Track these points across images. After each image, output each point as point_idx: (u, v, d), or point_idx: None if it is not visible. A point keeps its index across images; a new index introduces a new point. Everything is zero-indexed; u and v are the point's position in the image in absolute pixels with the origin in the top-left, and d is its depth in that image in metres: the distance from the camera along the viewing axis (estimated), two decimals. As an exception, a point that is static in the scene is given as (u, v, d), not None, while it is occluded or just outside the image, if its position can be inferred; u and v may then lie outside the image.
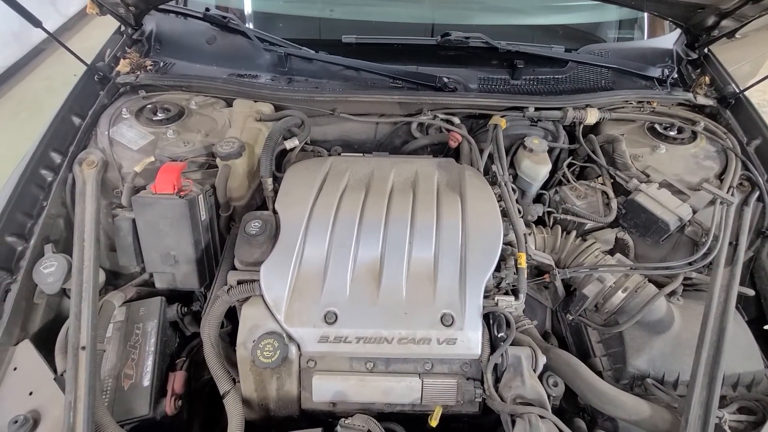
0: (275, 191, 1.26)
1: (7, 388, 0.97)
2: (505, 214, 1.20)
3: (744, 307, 1.27)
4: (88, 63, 1.44)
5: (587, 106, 1.48)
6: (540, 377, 1.02)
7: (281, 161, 1.43)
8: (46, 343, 1.05)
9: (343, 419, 0.97)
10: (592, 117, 1.48)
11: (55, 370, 0.99)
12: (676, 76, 1.61)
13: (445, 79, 1.51)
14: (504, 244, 1.12)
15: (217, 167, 1.29)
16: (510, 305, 1.07)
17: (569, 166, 1.48)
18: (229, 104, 1.50)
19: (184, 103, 1.44)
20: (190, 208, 1.16)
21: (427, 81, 1.51)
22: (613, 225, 1.35)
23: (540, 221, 1.42)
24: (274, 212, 1.17)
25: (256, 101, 1.48)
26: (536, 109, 1.46)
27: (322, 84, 1.54)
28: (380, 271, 1.07)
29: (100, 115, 1.38)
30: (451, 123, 1.51)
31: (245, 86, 1.47)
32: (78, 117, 1.35)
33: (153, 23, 1.62)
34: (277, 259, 1.06)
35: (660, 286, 1.15)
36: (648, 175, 1.32)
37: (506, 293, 1.10)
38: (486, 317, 1.04)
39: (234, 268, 1.11)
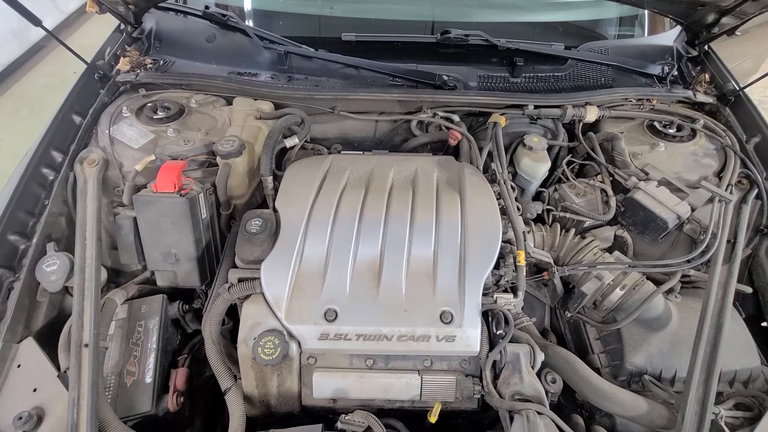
0: (275, 189, 1.27)
1: (11, 385, 0.98)
2: (504, 212, 1.21)
3: (741, 304, 1.27)
4: (87, 61, 1.44)
5: (587, 103, 1.48)
6: (538, 374, 1.03)
7: (281, 159, 1.44)
8: (49, 340, 1.06)
9: (343, 415, 0.98)
10: (591, 115, 1.48)
11: (58, 368, 1.00)
12: (676, 73, 1.61)
13: (445, 77, 1.51)
14: (503, 242, 1.12)
15: (218, 165, 1.30)
16: (509, 303, 1.08)
17: (568, 163, 1.48)
18: (229, 102, 1.50)
19: (184, 101, 1.45)
20: (191, 207, 1.17)
21: (426, 79, 1.51)
22: (611, 223, 1.36)
23: (539, 219, 1.43)
24: (275, 210, 1.17)
25: (256, 99, 1.48)
26: (536, 107, 1.47)
27: (321, 82, 1.54)
28: (380, 268, 1.07)
29: (100, 114, 1.39)
30: (451, 121, 1.51)
31: (245, 84, 1.47)
32: (78, 116, 1.36)
33: (153, 21, 1.62)
34: (277, 257, 1.07)
35: (658, 283, 1.15)
36: (647, 173, 1.32)
37: (505, 291, 1.11)
38: (485, 314, 1.05)
39: (235, 266, 1.11)
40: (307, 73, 1.55)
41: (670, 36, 1.66)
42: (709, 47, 1.60)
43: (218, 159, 1.28)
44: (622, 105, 1.54)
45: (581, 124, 1.50)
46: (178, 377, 1.11)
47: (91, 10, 1.38)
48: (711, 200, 1.24)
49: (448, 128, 1.49)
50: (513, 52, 1.53)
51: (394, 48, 1.56)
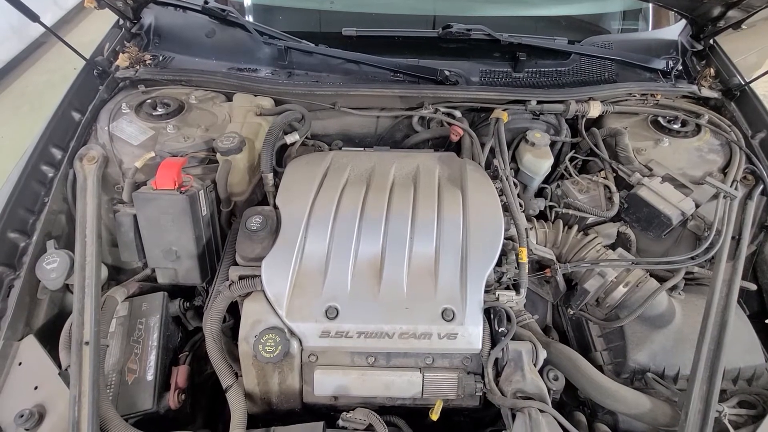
0: (276, 186, 1.26)
1: (12, 382, 0.98)
2: (506, 208, 1.20)
3: (746, 301, 1.26)
4: (87, 58, 1.43)
5: (590, 99, 1.47)
6: (540, 371, 1.03)
7: (282, 156, 1.43)
8: (50, 338, 1.06)
9: (344, 413, 0.98)
10: (594, 110, 1.46)
11: (59, 365, 1.00)
12: (680, 68, 1.59)
13: (447, 72, 1.50)
14: (505, 238, 1.11)
15: (218, 162, 1.29)
16: (511, 300, 1.07)
17: (571, 159, 1.47)
18: (229, 98, 1.49)
19: (184, 97, 1.44)
20: (191, 204, 1.16)
21: (428, 74, 1.50)
22: (615, 219, 1.35)
23: (541, 215, 1.42)
24: (275, 207, 1.17)
25: (256, 95, 1.47)
26: (538, 102, 1.45)
27: (322, 77, 1.53)
28: (381, 266, 1.07)
29: (99, 110, 1.38)
30: (453, 116, 1.50)
31: (245, 80, 1.46)
32: (78, 112, 1.35)
33: (152, 17, 1.61)
34: (278, 255, 1.06)
35: (662, 280, 1.14)
36: (651, 169, 1.31)
37: (507, 288, 1.10)
38: (487, 312, 1.04)
39: (235, 264, 1.11)
40: (308, 69, 1.54)
41: (674, 30, 1.64)
42: (714, 41, 1.58)
43: (218, 156, 1.27)
44: (626, 100, 1.52)
45: (584, 119, 1.48)
46: (180, 375, 1.10)
47: (89, 5, 1.37)
48: (716, 196, 1.22)
49: (449, 124, 1.47)
50: (515, 46, 1.51)
51: (395, 43, 1.55)
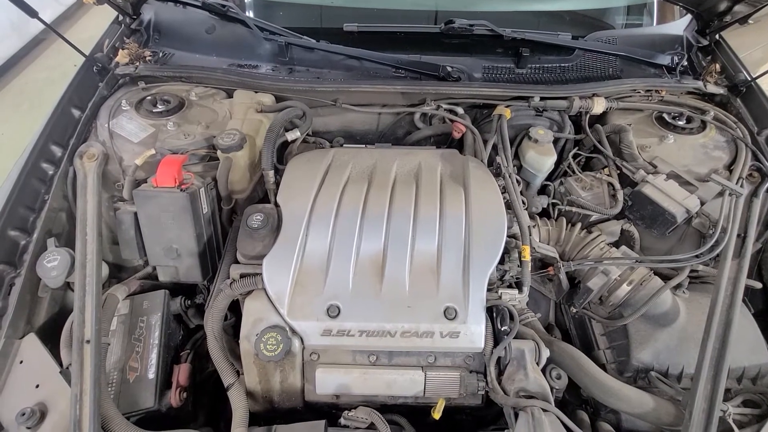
0: (277, 184, 1.25)
1: (13, 381, 0.98)
2: (509, 206, 1.19)
3: (750, 299, 1.25)
4: (86, 54, 1.42)
5: (594, 95, 1.45)
6: (543, 370, 1.02)
7: (283, 153, 1.42)
8: (51, 336, 1.06)
9: (346, 411, 0.98)
10: (598, 106, 1.45)
11: (60, 364, 1.00)
12: (685, 63, 1.57)
13: (449, 68, 1.48)
14: (508, 236, 1.10)
15: (218, 159, 1.28)
16: (513, 298, 1.06)
17: (575, 156, 1.46)
18: (230, 95, 1.48)
19: (184, 94, 1.43)
20: (192, 202, 1.15)
21: (430, 70, 1.48)
22: (618, 217, 1.33)
23: (544, 213, 1.41)
24: (276, 205, 1.16)
25: (256, 92, 1.46)
26: (541, 98, 1.44)
27: (323, 74, 1.52)
28: (383, 264, 1.06)
29: (99, 107, 1.37)
30: (455, 113, 1.49)
31: (246, 77, 1.45)
32: (77, 109, 1.34)
33: (151, 12, 1.59)
34: (279, 253, 1.06)
35: (666, 278, 1.13)
36: (655, 166, 1.29)
37: (510, 286, 1.09)
38: (489, 310, 1.03)
39: (236, 262, 1.10)
40: (309, 65, 1.53)
41: (680, 25, 1.61)
42: (720, 36, 1.56)
43: (219, 153, 1.26)
44: (630, 96, 1.51)
45: (588, 116, 1.47)
46: (181, 373, 1.10)
47: (88, 1, 1.36)
48: (721, 194, 1.21)
49: (451, 121, 1.46)
50: (519, 42, 1.49)
51: (396, 38, 1.53)
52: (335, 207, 1.12)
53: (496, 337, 1.02)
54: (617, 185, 1.32)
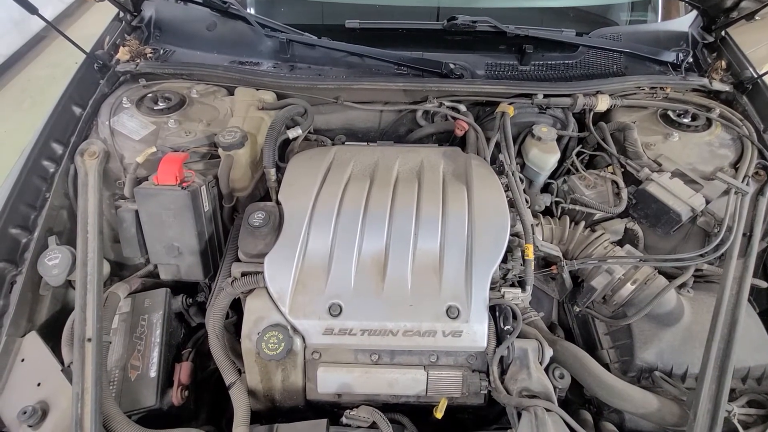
0: (278, 182, 1.24)
1: (15, 379, 0.98)
2: (512, 204, 1.18)
3: (755, 298, 1.24)
4: (87, 51, 1.41)
5: (598, 92, 1.44)
6: (546, 369, 1.02)
7: (284, 151, 1.41)
8: (53, 334, 1.06)
9: (348, 410, 0.97)
10: (602, 104, 1.43)
11: (62, 362, 1.00)
12: (691, 60, 1.56)
13: (451, 66, 1.47)
14: (511, 235, 1.10)
15: (220, 157, 1.28)
16: (516, 297, 1.06)
17: (578, 154, 1.45)
18: (231, 92, 1.47)
19: (185, 91, 1.42)
20: (193, 200, 1.15)
21: (432, 67, 1.47)
22: (622, 215, 1.32)
23: (548, 211, 1.40)
24: (278, 203, 1.15)
25: (258, 89, 1.45)
26: (545, 96, 1.42)
27: (324, 71, 1.50)
28: (385, 262, 1.05)
29: (100, 105, 1.36)
30: (457, 111, 1.47)
31: (247, 74, 1.44)
32: (78, 107, 1.34)
33: (152, 9, 1.58)
34: (280, 251, 1.05)
35: (670, 277, 1.12)
36: (660, 164, 1.28)
37: (513, 285, 1.08)
38: (492, 309, 1.03)
39: (238, 260, 1.10)
40: (310, 62, 1.52)
41: (685, 21, 1.60)
42: (726, 33, 1.54)
43: (220, 151, 1.26)
44: (635, 94, 1.49)
45: (592, 113, 1.45)
46: (183, 371, 1.10)
47: (89, -3, 1.35)
48: (726, 192, 1.20)
49: (454, 118, 1.45)
50: (522, 39, 1.48)
51: (398, 35, 1.52)
52: (337, 205, 1.11)
53: (499, 337, 1.01)
54: (621, 183, 1.31)
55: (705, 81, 1.48)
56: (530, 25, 1.48)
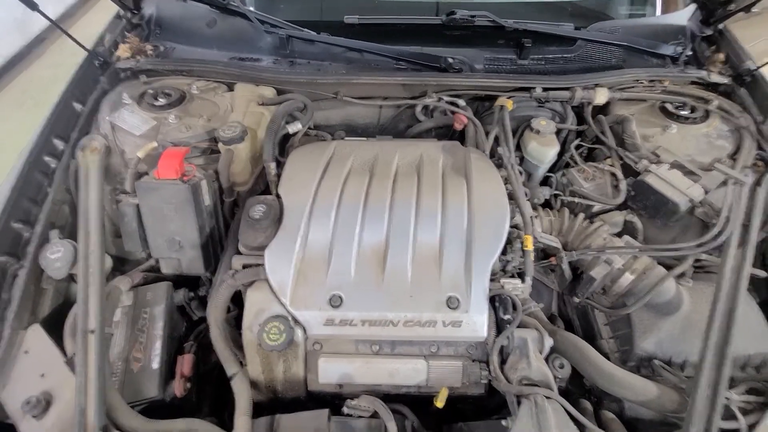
0: (278, 176, 1.25)
1: (18, 370, 0.98)
2: (511, 196, 1.19)
3: (756, 288, 1.24)
4: (88, 49, 1.42)
5: (596, 85, 1.44)
6: (546, 359, 1.02)
7: (284, 146, 1.42)
8: (55, 327, 1.06)
9: (348, 400, 0.98)
10: (601, 97, 1.44)
11: (65, 353, 1.00)
12: (689, 53, 1.56)
13: (450, 60, 1.47)
14: (510, 227, 1.10)
15: (220, 152, 1.28)
16: (516, 288, 1.06)
17: (577, 147, 1.45)
18: (231, 89, 1.48)
19: (186, 87, 1.43)
20: (194, 193, 1.16)
21: (431, 62, 1.47)
22: (621, 207, 1.33)
23: (547, 204, 1.40)
24: (278, 196, 1.16)
25: (257, 85, 1.46)
26: (544, 89, 1.43)
27: (324, 66, 1.51)
28: (385, 254, 1.06)
29: (101, 101, 1.37)
30: (456, 105, 1.48)
31: (247, 70, 1.45)
32: (79, 103, 1.35)
33: (152, 7, 1.59)
34: (281, 243, 1.06)
35: (669, 268, 1.13)
36: (658, 156, 1.29)
37: (512, 276, 1.09)
38: (492, 300, 1.03)
39: (239, 253, 1.11)
40: (310, 58, 1.52)
41: (683, 15, 1.60)
42: (724, 26, 1.54)
43: (220, 145, 1.27)
44: (633, 87, 1.50)
45: (591, 106, 1.46)
46: (185, 363, 1.10)
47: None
48: (725, 183, 1.20)
49: (453, 113, 1.46)
50: (520, 33, 1.48)
51: (397, 30, 1.53)
52: (337, 198, 1.12)
53: (499, 327, 1.02)
54: (620, 175, 1.31)
55: (703, 73, 1.49)
56: (528, 19, 1.49)
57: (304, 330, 1.01)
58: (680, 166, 1.25)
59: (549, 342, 1.02)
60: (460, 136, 1.49)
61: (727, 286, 1.00)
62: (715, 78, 1.48)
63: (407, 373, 1.02)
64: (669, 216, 1.21)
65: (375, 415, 0.97)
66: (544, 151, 1.37)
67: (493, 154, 1.36)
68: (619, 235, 1.26)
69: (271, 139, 1.26)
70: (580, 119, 1.50)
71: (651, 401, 0.94)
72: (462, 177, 1.19)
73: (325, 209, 1.10)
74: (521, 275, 1.09)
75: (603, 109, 1.50)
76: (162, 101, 1.36)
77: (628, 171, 1.33)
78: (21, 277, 1.07)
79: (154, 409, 1.03)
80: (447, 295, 1.01)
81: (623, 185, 1.29)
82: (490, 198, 1.14)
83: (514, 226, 1.14)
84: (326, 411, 0.98)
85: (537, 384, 0.94)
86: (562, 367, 1.04)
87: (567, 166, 1.46)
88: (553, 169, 1.48)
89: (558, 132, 1.44)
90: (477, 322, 0.99)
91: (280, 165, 1.29)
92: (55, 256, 1.08)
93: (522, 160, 1.43)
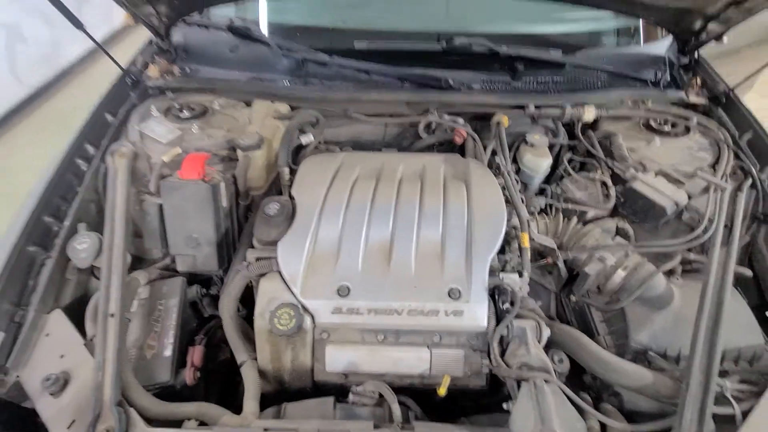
0: (291, 181, 1.34)
1: (39, 351, 1.03)
2: (508, 200, 1.27)
3: (744, 292, 1.29)
4: (123, 67, 1.57)
5: (584, 104, 1.57)
6: (545, 352, 1.06)
7: (297, 156, 1.53)
8: (74, 316, 1.12)
9: (354, 386, 1.01)
10: (589, 114, 1.56)
11: (84, 336, 1.05)
12: (669, 78, 1.70)
13: (450, 81, 1.61)
14: (507, 228, 1.18)
15: (238, 160, 1.39)
16: (515, 282, 1.12)
17: (569, 161, 1.55)
18: (249, 105, 1.60)
19: (208, 103, 1.56)
20: (213, 193, 1.25)
21: (433, 83, 1.61)
22: (613, 215, 1.41)
23: (542, 212, 1.48)
24: (291, 198, 1.25)
25: (274, 101, 1.59)
26: (536, 107, 1.55)
27: (335, 86, 1.65)
28: (390, 249, 1.13)
29: (131, 113, 1.50)
30: (456, 123, 1.60)
31: (264, 87, 1.59)
32: (111, 114, 1.47)
33: (181, 35, 1.76)
34: (293, 238, 1.14)
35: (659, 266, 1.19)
36: (644, 165, 1.38)
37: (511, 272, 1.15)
38: (492, 294, 1.09)
39: (252, 247, 1.18)
40: (322, 78, 1.67)
41: (662, 45, 1.76)
42: (699, 55, 1.70)
43: (239, 152, 1.37)
44: (619, 107, 1.62)
45: (580, 123, 1.58)
46: (196, 353, 1.14)
47: (128, 21, 1.53)
48: (707, 190, 1.29)
49: (453, 128, 1.57)
50: (514, 58, 1.63)
51: (402, 56, 1.68)
52: (346, 198, 1.21)
53: (499, 318, 1.07)
54: (609, 183, 1.41)
55: (682, 94, 1.62)
56: (523, 45, 1.64)
57: (313, 319, 1.06)
58: (665, 174, 1.35)
59: (547, 332, 1.06)
60: (460, 150, 1.60)
61: (714, 279, 1.06)
62: (694, 99, 1.62)
63: (411, 361, 1.05)
64: (656, 219, 1.29)
65: (379, 404, 1.00)
66: (538, 162, 1.47)
67: (490, 166, 1.46)
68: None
69: (285, 147, 1.37)
70: (572, 136, 1.62)
71: (646, 387, 0.97)
72: (462, 182, 1.29)
73: (335, 208, 1.19)
74: (519, 273, 1.15)
75: (592, 126, 1.62)
76: (186, 114, 1.49)
77: (617, 180, 1.43)
78: (48, 267, 1.14)
79: (164, 396, 1.05)
80: (449, 286, 1.07)
81: (613, 191, 1.38)
82: (489, 200, 1.22)
83: (511, 228, 1.22)
84: (332, 398, 1.01)
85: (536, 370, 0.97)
86: (561, 361, 1.07)
87: (561, 178, 1.55)
88: (547, 181, 1.57)
89: (551, 147, 1.55)
90: (477, 312, 1.04)
91: (292, 172, 1.38)
92: (82, 247, 1.15)
93: (518, 171, 1.53)
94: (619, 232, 1.39)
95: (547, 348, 1.09)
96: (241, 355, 1.09)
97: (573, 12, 1.79)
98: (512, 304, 1.07)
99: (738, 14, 1.39)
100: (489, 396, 1.12)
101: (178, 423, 0.95)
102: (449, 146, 1.64)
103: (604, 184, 1.42)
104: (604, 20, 1.85)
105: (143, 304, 1.20)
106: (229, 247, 1.35)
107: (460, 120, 1.61)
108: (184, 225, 1.26)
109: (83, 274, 1.23)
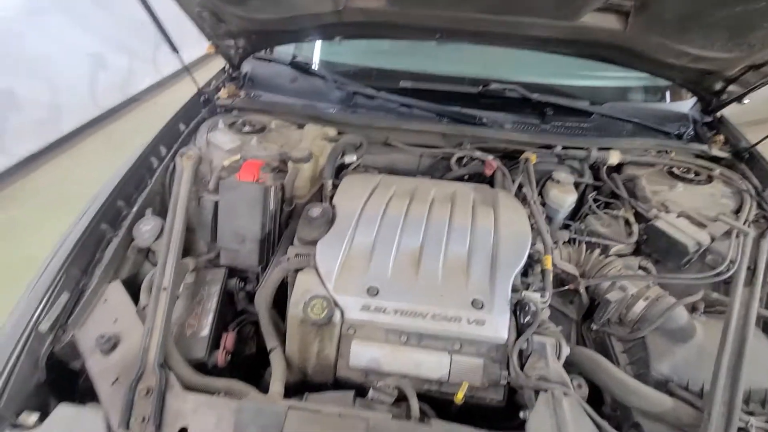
0: (333, 193, 1.48)
1: (96, 314, 1.14)
2: (533, 227, 1.35)
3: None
4: (199, 86, 1.82)
5: (610, 148, 1.67)
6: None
7: (339, 174, 1.68)
8: (129, 288, 1.23)
9: (374, 382, 1.05)
10: (614, 158, 1.65)
11: (136, 306, 1.16)
12: (692, 133, 1.80)
13: (484, 120, 1.77)
14: (531, 251, 1.25)
15: (287, 172, 1.54)
16: (536, 301, 1.17)
17: (594, 200, 1.63)
18: (302, 128, 1.80)
19: (267, 122, 1.77)
20: (264, 195, 1.39)
21: (468, 119, 1.77)
22: (635, 253, 1.45)
23: (566, 244, 1.54)
24: (332, 206, 1.37)
25: (323, 126, 1.78)
26: (563, 147, 1.67)
27: (379, 116, 1.84)
28: (419, 258, 1.22)
29: (200, 124, 1.72)
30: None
31: (317, 112, 1.79)
32: (184, 124, 1.69)
33: (249, 67, 2.03)
34: (331, 240, 1.24)
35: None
36: (667, 207, 1.44)
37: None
38: (513, 310, 1.14)
39: (293, 245, 1.29)
40: (368, 109, 1.86)
41: (687, 104, 1.88)
42: (722, 115, 1.80)
43: (289, 163, 1.53)
44: (643, 155, 1.72)
45: (605, 167, 1.67)
46: (228, 339, 1.22)
47: (210, 51, 1.79)
48: (729, 234, 1.33)
49: (483, 161, 1.70)
50: (544, 104, 1.78)
51: (442, 96, 1.86)
52: (382, 210, 1.32)
53: (519, 332, 1.11)
54: (632, 220, 1.46)
55: (705, 147, 1.70)
56: (554, 91, 1.79)
57: (342, 314, 1.13)
58: (687, 216, 1.40)
59: (566, 349, 1.08)
60: (490, 182, 1.71)
61: (736, 317, 1.07)
62: (717, 152, 1.69)
63: (431, 365, 1.09)
64: (679, 258, 1.32)
65: (399, 400, 1.04)
66: (563, 197, 1.55)
67: (517, 197, 1.55)
68: (633, 277, 1.36)
69: (331, 163, 1.53)
70: (597, 178, 1.71)
71: (666, 413, 0.97)
72: (490, 206, 1.38)
73: (371, 218, 1.30)
74: (541, 294, 1.19)
75: (616, 170, 1.71)
76: (247, 129, 1.69)
77: (640, 219, 1.48)
78: (113, 243, 1.29)
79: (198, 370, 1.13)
80: (473, 296, 1.13)
81: (635, 228, 1.43)
82: (515, 223, 1.31)
83: (534, 251, 1.28)
84: (352, 392, 1.06)
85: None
86: (580, 386, 1.08)
87: (585, 216, 1.62)
88: (572, 219, 1.64)
89: (576, 186, 1.64)
90: (499, 323, 1.09)
91: (335, 185, 1.53)
92: (146, 228, 1.30)
93: (543, 206, 1.61)
94: (641, 269, 1.42)
95: (567, 371, 1.11)
96: (272, 341, 1.16)
97: (603, 70, 1.95)
98: (534, 314, 1.11)
99: (756, 77, 1.50)
100: (504, 417, 1.13)
101: (209, 394, 1.01)
102: (479, 179, 1.75)
103: (627, 221, 1.48)
104: (631, 78, 1.99)
105: (188, 287, 1.31)
106: (269, 247, 1.46)
107: (490, 156, 1.73)
108: (234, 221, 1.40)
109: (140, 255, 1.36)
